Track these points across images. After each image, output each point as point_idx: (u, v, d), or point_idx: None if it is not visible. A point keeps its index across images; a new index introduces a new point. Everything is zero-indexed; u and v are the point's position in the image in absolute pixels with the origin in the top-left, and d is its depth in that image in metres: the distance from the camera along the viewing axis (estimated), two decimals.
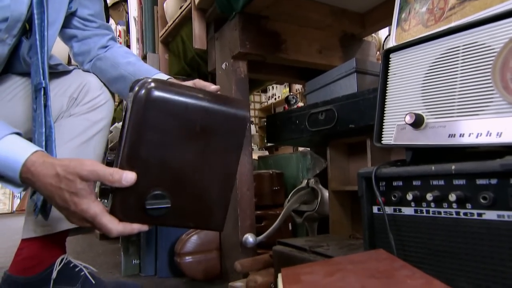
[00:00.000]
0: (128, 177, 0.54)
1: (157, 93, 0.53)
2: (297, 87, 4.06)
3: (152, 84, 0.54)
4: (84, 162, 0.55)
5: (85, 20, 0.96)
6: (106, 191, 0.56)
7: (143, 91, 0.53)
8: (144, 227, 0.58)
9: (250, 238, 0.98)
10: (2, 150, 0.57)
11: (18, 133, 0.61)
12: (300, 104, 2.23)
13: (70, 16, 0.93)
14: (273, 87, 5.28)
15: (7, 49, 0.78)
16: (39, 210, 0.74)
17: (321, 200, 1.05)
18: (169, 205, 0.56)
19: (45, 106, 0.74)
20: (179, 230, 1.21)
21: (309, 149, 1.31)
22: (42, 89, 0.74)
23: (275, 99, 5.45)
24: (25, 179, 0.59)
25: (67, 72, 0.93)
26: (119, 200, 0.56)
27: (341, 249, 0.77)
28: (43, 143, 0.73)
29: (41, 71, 0.74)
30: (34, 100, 0.74)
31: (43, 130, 0.73)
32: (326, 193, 1.06)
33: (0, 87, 0.86)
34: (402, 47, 0.63)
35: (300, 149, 1.83)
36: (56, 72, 0.90)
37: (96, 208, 0.55)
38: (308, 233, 1.11)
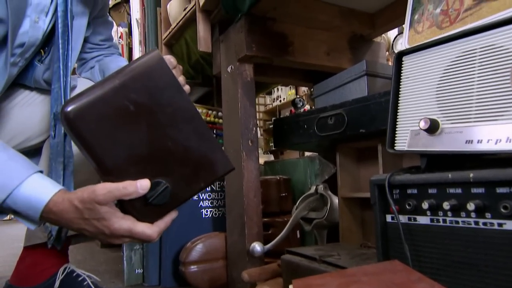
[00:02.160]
0: (143, 184, 0.56)
1: (70, 111, 0.53)
2: (304, 88, 4.06)
3: (65, 109, 0.54)
4: (95, 189, 0.56)
5: (95, 45, 1.01)
6: None
7: (61, 120, 0.55)
8: (173, 214, 0.61)
9: (257, 246, 0.98)
10: (26, 191, 0.59)
11: (40, 171, 0.63)
12: (307, 106, 2.22)
13: (84, 43, 0.98)
14: (278, 89, 5.28)
15: (17, 71, 0.82)
16: (54, 239, 0.75)
17: (330, 207, 1.05)
18: (167, 185, 0.58)
19: (65, 135, 0.76)
20: (183, 238, 1.21)
21: (317, 153, 1.31)
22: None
23: (280, 101, 5.44)
24: (45, 218, 0.60)
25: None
26: (130, 210, 0.58)
27: (352, 258, 0.76)
28: (61, 173, 0.75)
29: (62, 100, 0.77)
30: (52, 127, 0.76)
31: (62, 159, 0.75)
32: (335, 200, 1.06)
33: (12, 95, 0.89)
34: (415, 49, 0.62)
35: (307, 153, 1.83)
36: None
37: (127, 222, 0.57)
38: (317, 241, 1.10)
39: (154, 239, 0.59)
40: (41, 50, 0.83)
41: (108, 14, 1.07)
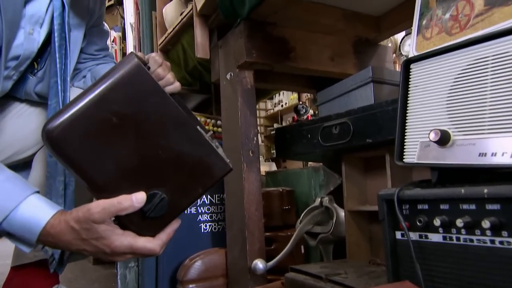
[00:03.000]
0: (139, 197, 0.56)
1: (51, 130, 0.53)
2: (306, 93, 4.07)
3: (45, 129, 0.54)
4: (90, 207, 0.56)
5: (90, 55, 1.02)
6: None
7: (43, 141, 0.55)
8: (174, 225, 0.61)
9: (259, 264, 0.97)
10: (23, 214, 0.59)
11: (37, 191, 0.63)
12: (310, 112, 2.22)
13: (80, 53, 0.98)
14: (279, 94, 5.29)
15: (11, 84, 0.82)
16: (56, 263, 0.75)
17: (336, 221, 1.04)
18: (164, 196, 0.58)
19: None
20: (181, 254, 1.21)
21: (321, 163, 1.30)
22: None
23: (282, 106, 5.45)
24: (43, 241, 0.60)
25: None
26: (129, 225, 0.59)
27: (360, 277, 0.75)
28: (62, 192, 0.75)
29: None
30: None
31: (62, 178, 0.75)
32: (341, 213, 1.05)
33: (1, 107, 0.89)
34: (424, 57, 0.62)
35: (311, 163, 1.83)
36: None
37: (127, 239, 0.58)
38: (323, 257, 1.10)
39: (158, 253, 0.60)
40: (34, 63, 0.84)
41: (104, 23, 1.07)
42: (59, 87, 0.78)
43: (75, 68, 1.00)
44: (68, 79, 0.81)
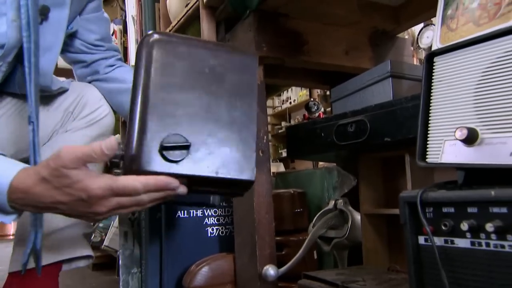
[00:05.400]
0: (108, 143, 0.56)
1: (161, 36, 0.63)
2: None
3: (156, 33, 0.63)
4: (60, 153, 0.55)
5: (92, 45, 1.02)
6: (117, 163, 0.59)
7: (148, 37, 0.62)
8: (171, 180, 0.58)
9: (271, 270, 0.97)
10: None
11: (3, 154, 0.63)
12: (322, 109, 2.22)
13: (74, 39, 0.98)
14: (288, 90, 5.26)
15: (1, 76, 0.82)
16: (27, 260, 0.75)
17: (352, 225, 1.03)
18: (189, 144, 0.59)
19: (33, 143, 0.75)
20: (186, 260, 1.21)
21: (334, 163, 1.30)
22: (31, 123, 0.75)
23: (290, 103, 5.44)
24: (15, 200, 0.59)
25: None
26: (133, 146, 0.57)
27: (380, 285, 0.75)
28: None
29: (32, 104, 0.76)
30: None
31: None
32: (357, 217, 1.05)
33: None
34: (449, 49, 0.62)
35: (323, 163, 1.82)
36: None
37: (105, 179, 0.56)
38: (338, 263, 1.09)
39: (139, 190, 0.56)
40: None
41: (102, 9, 1.07)
42: (26, 69, 0.76)
43: (80, 60, 1.00)
44: (36, 60, 0.78)
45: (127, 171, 0.58)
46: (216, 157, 0.61)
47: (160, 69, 0.61)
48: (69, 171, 0.55)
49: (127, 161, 0.58)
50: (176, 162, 0.58)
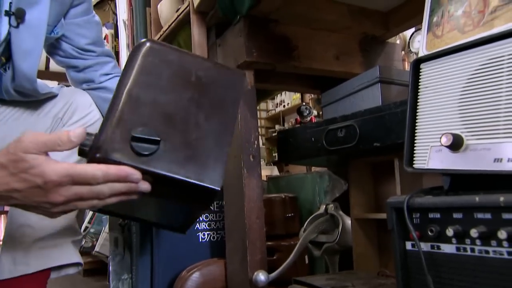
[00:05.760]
0: (76, 132, 0.56)
1: (154, 44, 0.66)
2: None
3: (150, 41, 0.67)
4: (22, 138, 0.54)
5: (83, 50, 1.01)
6: (85, 151, 0.58)
7: (142, 43, 0.65)
8: (133, 171, 0.56)
9: (261, 275, 0.97)
10: None
11: None
12: (314, 113, 2.22)
13: (63, 44, 0.98)
14: (281, 93, 5.29)
15: None
16: None
17: (342, 229, 1.04)
18: (158, 139, 0.59)
19: None
20: (177, 265, 1.20)
21: (326, 168, 1.30)
22: None
23: (284, 106, 5.46)
24: None
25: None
26: (103, 135, 0.57)
27: None
28: None
29: None
30: None
31: None
32: (348, 221, 1.05)
33: None
34: (434, 56, 0.62)
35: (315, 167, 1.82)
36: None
37: (63, 165, 0.54)
38: (329, 268, 1.09)
39: (99, 179, 0.55)
40: (2, 57, 0.82)
41: (92, 12, 1.06)
42: None
43: (73, 65, 1.00)
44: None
45: (91, 160, 0.57)
46: (185, 159, 0.61)
47: (146, 70, 0.63)
48: (27, 155, 0.53)
49: (93, 149, 0.57)
50: (142, 155, 0.58)
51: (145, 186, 0.58)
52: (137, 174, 0.57)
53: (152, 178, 0.60)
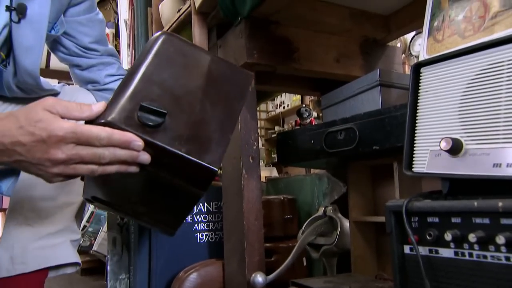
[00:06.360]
0: (98, 105, 0.58)
1: (171, 36, 0.71)
2: None
3: (167, 33, 0.71)
4: (46, 98, 0.57)
5: (86, 49, 1.00)
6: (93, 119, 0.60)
7: (160, 34, 0.70)
8: (137, 138, 0.58)
9: (259, 277, 0.97)
10: None
11: None
12: (314, 114, 2.22)
13: (67, 41, 0.97)
14: (281, 95, 5.29)
15: None
16: None
17: (340, 232, 1.04)
18: (165, 111, 0.60)
19: None
20: (175, 266, 1.20)
21: (325, 170, 1.30)
22: None
23: (284, 107, 5.45)
24: None
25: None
26: (113, 104, 0.60)
27: None
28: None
29: None
30: None
31: None
32: (346, 224, 1.05)
33: None
34: (435, 60, 0.63)
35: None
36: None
37: (70, 123, 0.55)
38: (326, 270, 1.09)
39: (103, 141, 0.56)
40: (1, 53, 0.82)
41: (96, 10, 1.05)
42: None
43: (76, 64, 0.99)
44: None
45: (98, 124, 0.59)
46: (188, 138, 0.63)
47: (161, 55, 0.67)
48: (41, 111, 0.55)
49: (101, 115, 0.59)
50: (148, 126, 0.60)
51: (146, 156, 0.59)
52: (139, 142, 0.58)
53: (153, 152, 0.61)
